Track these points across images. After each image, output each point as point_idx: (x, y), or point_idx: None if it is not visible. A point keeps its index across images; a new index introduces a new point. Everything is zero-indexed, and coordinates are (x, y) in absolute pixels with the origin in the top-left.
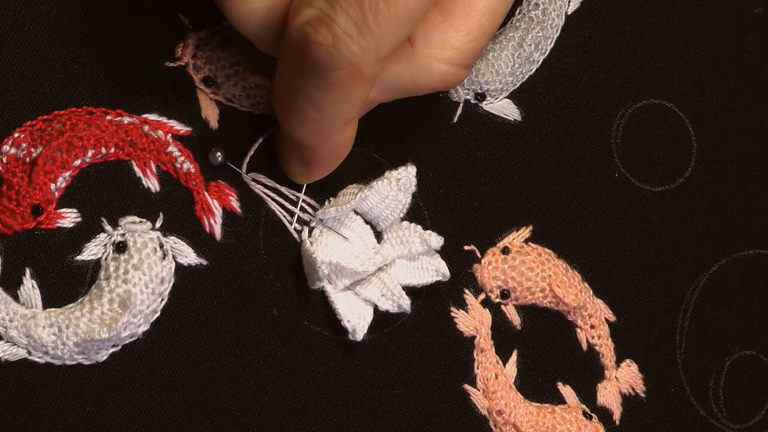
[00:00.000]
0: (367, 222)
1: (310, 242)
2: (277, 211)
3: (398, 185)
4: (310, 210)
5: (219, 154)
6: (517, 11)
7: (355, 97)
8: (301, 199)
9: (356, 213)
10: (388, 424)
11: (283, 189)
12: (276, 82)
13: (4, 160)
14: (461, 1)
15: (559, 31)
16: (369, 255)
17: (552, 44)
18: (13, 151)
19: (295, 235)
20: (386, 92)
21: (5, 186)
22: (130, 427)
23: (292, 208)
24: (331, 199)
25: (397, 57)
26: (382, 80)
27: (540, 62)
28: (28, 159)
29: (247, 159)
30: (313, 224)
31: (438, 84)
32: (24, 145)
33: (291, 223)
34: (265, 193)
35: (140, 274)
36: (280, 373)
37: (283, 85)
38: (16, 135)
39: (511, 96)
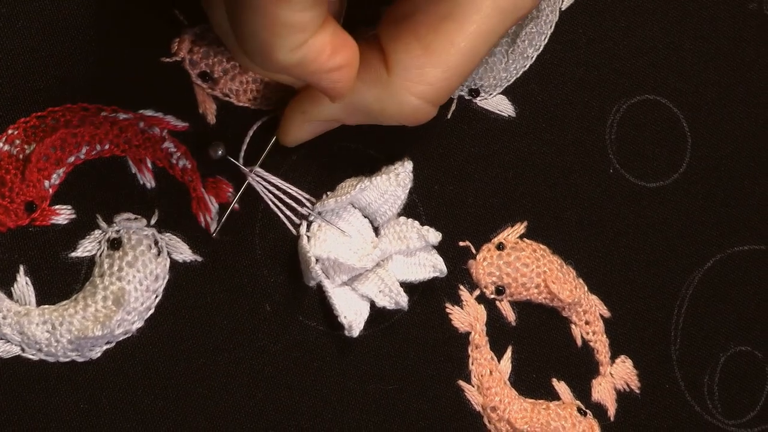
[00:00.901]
0: (365, 217)
1: (308, 237)
2: (274, 207)
3: (397, 180)
4: (308, 204)
5: (220, 149)
6: None
7: (285, 22)
8: (258, 166)
9: (354, 207)
10: (382, 420)
11: (283, 184)
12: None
13: None
14: (442, 38)
15: (552, 27)
16: (367, 250)
17: (546, 40)
18: (6, 147)
19: (293, 230)
20: (352, 115)
21: None
22: (124, 424)
23: (290, 202)
24: (328, 193)
25: (371, 83)
26: (351, 102)
27: (534, 58)
28: (21, 156)
29: (244, 148)
30: (311, 218)
31: (406, 118)
32: (17, 141)
33: (288, 219)
34: (264, 188)
35: (134, 271)
36: (273, 369)
37: (218, 22)
38: (10, 132)
39: (505, 92)
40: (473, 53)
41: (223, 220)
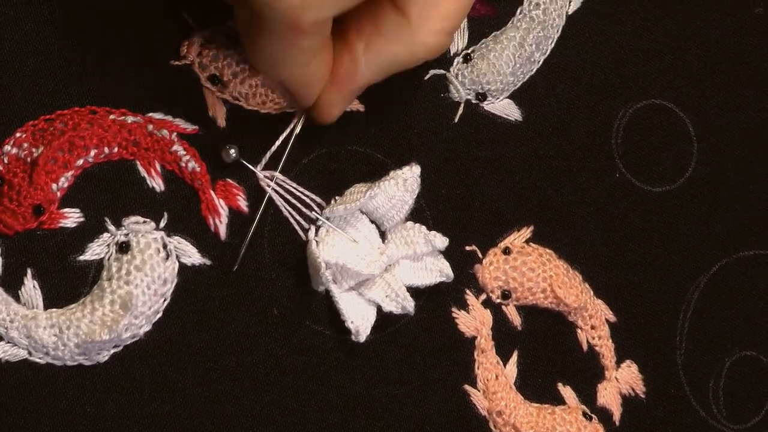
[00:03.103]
0: (371, 222)
1: (316, 242)
2: (284, 211)
3: (405, 186)
4: (317, 208)
5: (233, 150)
6: (518, 11)
7: (299, 47)
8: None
9: (362, 212)
10: (388, 425)
11: (297, 188)
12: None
13: (5, 160)
14: None
15: (559, 31)
16: (375, 256)
17: (553, 44)
18: (14, 151)
19: (302, 235)
20: (382, 72)
21: (6, 186)
22: (131, 428)
23: (299, 205)
24: (336, 198)
25: (395, 35)
26: (381, 61)
27: (541, 62)
28: (29, 159)
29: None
30: (319, 223)
31: (431, 54)
32: (25, 144)
33: (298, 223)
34: (276, 191)
35: (142, 275)
36: (280, 373)
37: (240, 22)
38: (18, 135)
39: (512, 96)
40: None
41: (247, 240)
